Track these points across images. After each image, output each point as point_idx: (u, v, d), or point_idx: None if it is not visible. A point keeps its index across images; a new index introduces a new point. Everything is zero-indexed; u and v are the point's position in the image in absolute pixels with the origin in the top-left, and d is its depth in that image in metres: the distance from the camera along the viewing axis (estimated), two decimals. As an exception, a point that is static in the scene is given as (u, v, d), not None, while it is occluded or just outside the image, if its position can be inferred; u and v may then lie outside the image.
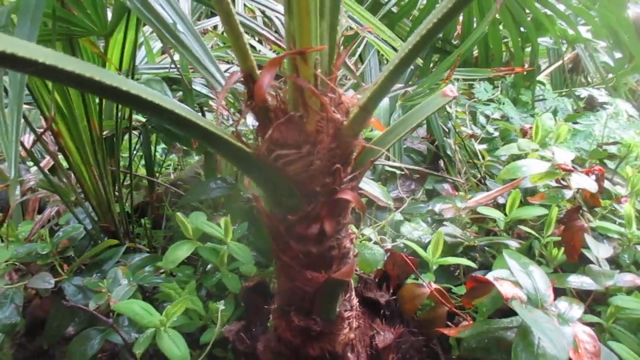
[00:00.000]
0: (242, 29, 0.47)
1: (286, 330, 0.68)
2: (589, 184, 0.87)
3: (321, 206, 0.55)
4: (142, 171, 1.47)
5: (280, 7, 0.81)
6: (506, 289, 0.64)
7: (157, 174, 1.44)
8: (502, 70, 1.24)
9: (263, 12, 1.45)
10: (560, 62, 2.00)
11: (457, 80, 1.28)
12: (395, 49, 0.97)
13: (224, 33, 0.47)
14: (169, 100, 0.42)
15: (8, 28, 0.60)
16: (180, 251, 0.89)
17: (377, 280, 0.90)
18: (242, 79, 0.50)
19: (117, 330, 0.83)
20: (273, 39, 0.83)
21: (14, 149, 0.49)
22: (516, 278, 0.66)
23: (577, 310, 0.67)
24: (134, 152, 1.41)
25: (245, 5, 1.23)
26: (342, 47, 0.52)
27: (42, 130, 1.00)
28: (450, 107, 1.35)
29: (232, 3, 0.64)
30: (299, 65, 0.47)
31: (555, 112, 1.62)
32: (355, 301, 0.70)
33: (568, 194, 0.89)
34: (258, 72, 0.49)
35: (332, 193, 0.54)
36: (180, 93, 1.33)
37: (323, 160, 0.51)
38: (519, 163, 0.93)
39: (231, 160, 0.52)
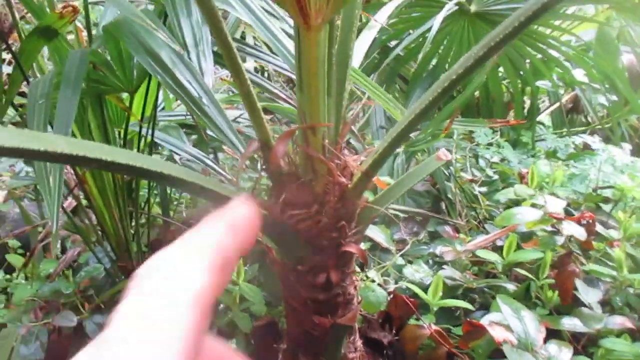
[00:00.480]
0: (259, 105, 0.54)
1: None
2: (579, 232, 0.92)
3: (328, 258, 0.61)
4: (156, 209, 1.54)
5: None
6: (498, 333, 0.69)
7: (171, 212, 1.51)
8: (499, 122, 1.31)
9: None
10: (558, 104, 2.07)
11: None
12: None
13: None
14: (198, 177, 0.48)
15: (49, 95, 0.68)
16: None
17: (380, 320, 0.96)
18: (258, 147, 0.56)
19: None
20: (284, 97, 0.91)
21: (56, 207, 0.56)
22: (508, 322, 0.72)
23: (566, 353, 0.71)
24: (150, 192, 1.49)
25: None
26: (347, 116, 0.59)
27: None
28: (451, 152, 1.42)
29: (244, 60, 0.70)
30: (309, 137, 0.54)
31: (555, 152, 1.69)
32: (359, 343, 0.76)
33: (560, 240, 0.94)
34: (272, 141, 0.56)
35: (338, 246, 0.60)
36: (195, 136, 1.41)
37: (330, 218, 0.58)
38: (513, 211, 0.99)
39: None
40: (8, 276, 1.37)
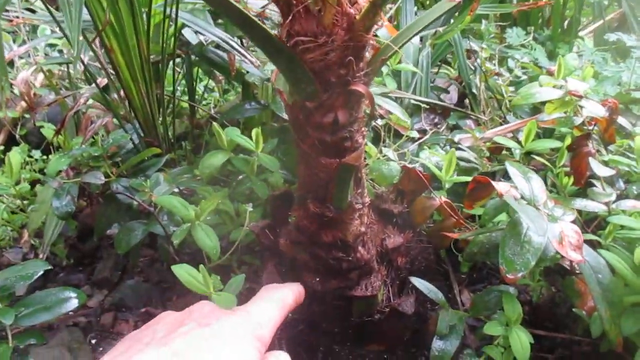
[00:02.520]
0: None
1: (304, 218, 0.77)
2: (598, 110, 0.91)
3: (336, 96, 0.63)
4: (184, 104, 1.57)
5: None
6: (502, 187, 0.71)
7: (198, 107, 1.54)
8: (527, 4, 1.26)
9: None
10: (602, 21, 1.97)
11: (487, 18, 1.31)
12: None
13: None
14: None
15: None
16: (215, 159, 0.99)
17: (392, 195, 0.98)
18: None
19: (158, 221, 0.94)
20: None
21: (77, 30, 0.59)
22: (514, 182, 0.73)
23: (569, 215, 0.72)
24: (177, 82, 1.52)
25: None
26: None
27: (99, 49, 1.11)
28: (481, 49, 1.39)
29: None
30: (319, -37, 0.54)
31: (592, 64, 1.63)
32: (367, 198, 0.78)
33: (578, 120, 0.93)
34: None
35: (346, 84, 0.62)
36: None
37: (337, 52, 0.59)
38: (532, 89, 0.98)
39: (258, 43, 0.60)
40: (45, 157, 1.45)
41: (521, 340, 0.76)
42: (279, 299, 0.65)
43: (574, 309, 0.84)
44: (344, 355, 0.90)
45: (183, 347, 0.49)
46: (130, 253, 1.05)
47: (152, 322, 0.56)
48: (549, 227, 0.66)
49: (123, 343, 0.53)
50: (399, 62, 1.17)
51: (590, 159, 0.88)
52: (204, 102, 1.82)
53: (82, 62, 1.08)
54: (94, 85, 1.15)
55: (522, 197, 0.71)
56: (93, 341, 1.06)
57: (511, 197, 0.68)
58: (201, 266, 0.78)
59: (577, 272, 0.90)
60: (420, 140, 1.15)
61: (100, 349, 1.04)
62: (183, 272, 0.79)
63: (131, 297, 1.14)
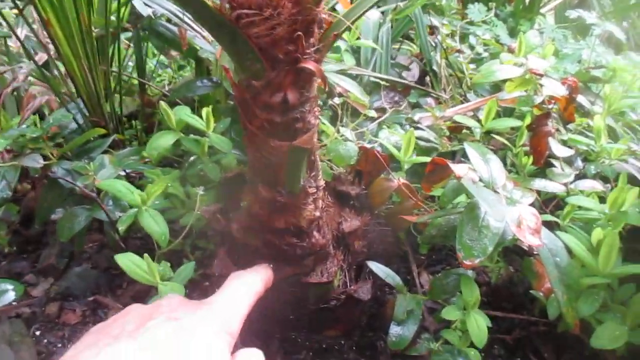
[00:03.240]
0: None
1: (255, 203, 0.73)
2: (558, 89, 0.89)
3: (284, 74, 0.58)
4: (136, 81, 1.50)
5: None
6: (460, 170, 0.68)
7: (149, 85, 1.47)
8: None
9: None
10: (563, -1, 1.97)
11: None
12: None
13: None
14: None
15: None
16: (164, 140, 0.94)
17: (349, 176, 0.95)
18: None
19: (102, 206, 0.89)
20: None
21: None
22: (473, 164, 0.70)
23: (528, 198, 0.71)
24: (127, 58, 1.44)
25: None
26: None
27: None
28: (442, 25, 1.35)
29: None
30: None
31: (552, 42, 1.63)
32: (321, 182, 0.75)
33: (538, 99, 0.92)
34: None
35: (295, 61, 0.57)
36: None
37: (284, 26, 0.54)
38: (493, 67, 0.96)
39: (196, 15, 0.55)
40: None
41: (478, 323, 0.75)
42: (248, 287, 0.65)
43: (531, 291, 0.83)
44: (301, 342, 0.88)
45: (152, 341, 0.48)
46: (75, 240, 0.99)
47: (119, 315, 0.55)
48: (508, 211, 0.64)
49: (90, 335, 0.51)
50: (358, 38, 1.12)
51: (550, 139, 0.87)
52: (157, 79, 1.74)
53: (17, 36, 0.99)
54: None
55: (481, 180, 0.69)
56: (37, 333, 1.00)
57: (469, 180, 0.66)
58: (145, 255, 0.74)
59: (535, 253, 0.89)
60: (380, 119, 1.12)
61: (45, 340, 0.99)
62: (127, 261, 0.75)
63: (78, 285, 1.09)
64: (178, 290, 0.73)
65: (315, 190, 0.72)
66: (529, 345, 0.91)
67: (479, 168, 0.69)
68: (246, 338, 0.91)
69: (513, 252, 1.01)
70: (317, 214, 0.76)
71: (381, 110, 1.18)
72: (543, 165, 0.94)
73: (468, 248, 0.62)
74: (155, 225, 0.85)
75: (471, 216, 0.64)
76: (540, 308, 0.90)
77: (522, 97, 0.94)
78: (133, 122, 1.34)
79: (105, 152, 1.02)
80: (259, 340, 0.89)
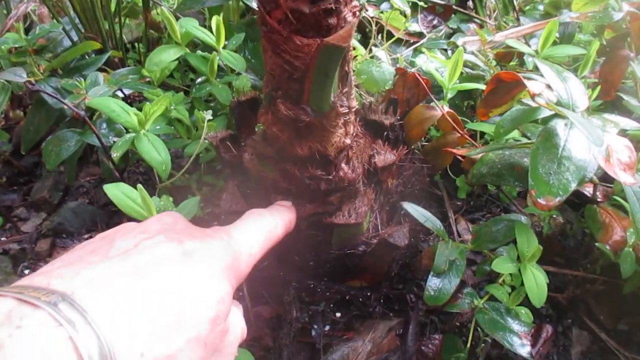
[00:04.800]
0: None
1: (272, 124, 0.59)
2: (644, 2, 0.74)
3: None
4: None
5: None
6: (535, 87, 0.54)
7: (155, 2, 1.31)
8: None
9: None
10: None
11: None
12: None
13: None
14: None
15: None
16: (166, 54, 0.80)
17: (382, 106, 0.81)
18: None
19: (93, 128, 0.76)
20: None
21: None
22: (549, 82, 0.56)
23: (612, 127, 0.57)
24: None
25: None
26: None
27: None
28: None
29: None
30: None
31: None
32: (354, 102, 0.61)
33: (617, 15, 0.76)
34: None
35: None
36: None
37: None
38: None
39: None
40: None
41: (537, 279, 0.62)
42: (267, 229, 0.53)
43: (597, 244, 0.70)
44: (320, 292, 0.77)
45: (144, 265, 0.37)
46: (66, 169, 0.88)
47: (110, 232, 0.43)
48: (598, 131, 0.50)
49: (73, 253, 0.39)
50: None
51: (635, 66, 0.72)
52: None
53: None
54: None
55: (559, 102, 0.54)
56: (26, 272, 0.90)
57: (546, 100, 0.52)
58: (139, 186, 0.61)
59: (599, 201, 0.76)
60: (416, 45, 0.97)
61: (34, 280, 0.89)
62: (117, 192, 0.63)
63: (73, 221, 0.98)
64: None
65: (347, 111, 0.59)
66: (582, 305, 0.80)
67: (556, 87, 0.55)
68: (257, 283, 0.80)
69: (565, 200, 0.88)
70: (348, 141, 0.62)
71: (417, 35, 1.03)
72: (612, 99, 0.80)
73: (544, 184, 0.48)
74: (154, 152, 0.72)
75: (547, 145, 0.51)
76: (602, 264, 0.77)
77: (596, 14, 0.78)
78: (137, 44, 1.19)
79: (100, 70, 0.89)
80: (272, 287, 0.78)
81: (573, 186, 0.47)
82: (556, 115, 0.52)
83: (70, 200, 1.03)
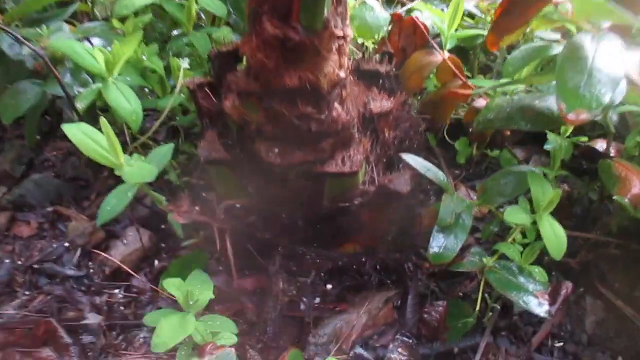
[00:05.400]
0: None
1: (257, 50, 0.52)
2: None
3: None
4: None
5: None
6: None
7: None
8: None
9: None
10: None
11: None
12: None
13: None
14: None
15: None
16: (138, -2, 0.72)
17: (377, 57, 0.74)
18: None
19: (56, 75, 0.68)
20: None
21: None
22: None
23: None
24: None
25: None
26: None
27: None
28: None
29: None
30: None
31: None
32: (349, 29, 0.54)
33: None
34: None
35: None
36: None
37: None
38: None
39: None
40: None
41: (555, 229, 0.56)
42: None
43: (615, 197, 0.63)
44: (310, 259, 0.69)
45: None
46: (25, 128, 0.79)
47: None
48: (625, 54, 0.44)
49: None
50: None
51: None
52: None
53: None
54: None
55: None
56: (-18, 246, 0.81)
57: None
58: (104, 122, 0.53)
59: (612, 156, 0.70)
60: (411, 4, 0.91)
61: (-11, 255, 0.80)
62: (78, 133, 0.54)
63: (36, 194, 0.89)
64: (148, 172, 0.53)
65: (341, 35, 0.52)
66: (595, 271, 0.73)
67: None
68: (238, 249, 0.71)
69: (568, 168, 0.82)
70: (342, 74, 0.55)
71: (410, -4, 0.96)
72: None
73: (574, 97, 0.42)
74: (123, 101, 0.65)
75: (574, 58, 0.44)
76: (618, 225, 0.71)
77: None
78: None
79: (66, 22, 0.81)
80: (255, 252, 0.70)
81: (607, 98, 0.41)
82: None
83: (34, 174, 0.94)
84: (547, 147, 0.79)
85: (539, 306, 0.55)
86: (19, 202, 0.88)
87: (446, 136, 0.86)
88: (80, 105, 0.66)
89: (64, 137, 1.02)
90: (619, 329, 0.68)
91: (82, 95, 0.66)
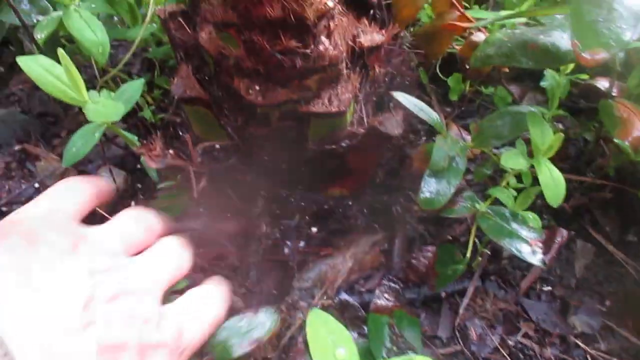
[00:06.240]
0: None
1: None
2: None
3: None
4: None
5: None
6: None
7: None
8: None
9: None
10: None
11: None
12: None
13: None
14: None
15: None
16: None
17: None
18: None
19: (11, 4, 0.61)
20: None
21: None
22: None
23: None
24: None
25: None
26: None
27: None
28: None
29: None
30: None
31: None
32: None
33: None
34: None
35: None
36: None
37: None
38: None
39: None
40: None
41: (553, 174, 0.53)
42: None
43: (615, 140, 0.60)
44: (294, 202, 0.66)
45: None
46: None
47: None
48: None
49: None
50: None
51: None
52: None
53: None
54: None
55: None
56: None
57: None
58: (62, 54, 0.47)
59: (614, 95, 0.67)
60: None
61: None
62: (34, 66, 0.49)
63: (1, 132, 0.83)
64: (114, 111, 0.48)
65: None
66: (587, 216, 0.71)
67: None
68: (217, 193, 0.68)
69: (564, 107, 0.78)
70: (330, 3, 0.50)
71: None
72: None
73: (591, 34, 0.37)
74: (88, 31, 0.58)
75: None
76: (613, 168, 0.68)
77: None
78: None
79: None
80: (236, 197, 0.66)
81: (628, 36, 0.37)
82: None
83: (-2, 109, 0.88)
84: (543, 84, 0.75)
85: (533, 255, 0.53)
86: (-17, 140, 0.82)
87: (439, 72, 0.82)
88: (39, 35, 0.60)
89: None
90: (608, 273, 0.67)
91: (40, 24, 0.60)
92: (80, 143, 0.52)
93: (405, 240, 0.68)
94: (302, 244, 0.68)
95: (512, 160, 0.53)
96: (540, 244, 0.54)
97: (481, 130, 0.59)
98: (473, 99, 0.85)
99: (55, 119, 0.87)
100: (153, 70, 0.84)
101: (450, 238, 0.69)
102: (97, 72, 0.71)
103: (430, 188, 0.56)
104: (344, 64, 0.56)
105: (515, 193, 0.59)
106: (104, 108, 0.47)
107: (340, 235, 0.68)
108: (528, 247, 0.53)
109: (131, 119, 0.79)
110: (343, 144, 0.57)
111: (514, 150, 0.55)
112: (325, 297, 0.64)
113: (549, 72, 0.72)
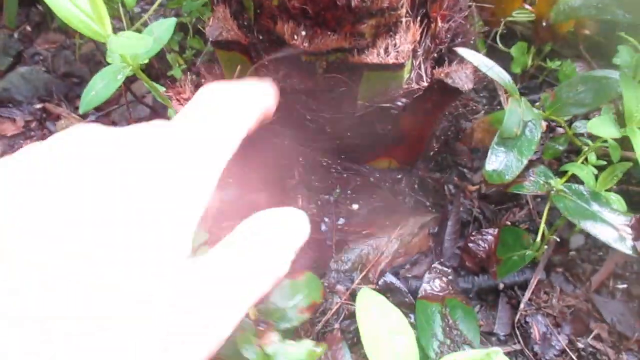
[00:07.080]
0: None
1: None
2: None
3: None
4: None
5: None
6: None
7: None
8: None
9: None
10: None
11: None
12: None
13: None
14: None
15: None
16: None
17: None
18: None
19: None
20: None
21: None
22: None
23: None
24: None
25: None
26: None
27: None
28: None
29: None
30: None
31: None
32: None
33: None
34: None
35: None
36: None
37: None
38: None
39: None
40: None
41: (652, 146, 0.44)
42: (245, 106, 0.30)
43: None
44: (335, 172, 0.58)
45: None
46: (5, 5, 0.67)
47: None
48: None
49: None
50: None
51: None
52: None
53: None
54: None
55: None
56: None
57: None
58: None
59: None
60: None
61: (-33, 153, 0.70)
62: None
63: (22, 89, 0.78)
64: (142, 43, 0.42)
65: None
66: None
67: None
68: (253, 161, 0.61)
69: None
70: None
71: None
72: None
73: None
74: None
75: None
76: None
77: None
78: None
79: None
80: (272, 164, 0.60)
81: None
82: None
83: (22, 67, 0.83)
84: (616, 60, 0.66)
85: (620, 241, 0.44)
86: (4, 97, 0.77)
87: (498, 42, 0.73)
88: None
89: (58, 30, 0.90)
90: (695, 271, 0.58)
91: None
92: (101, 86, 0.46)
93: (458, 223, 0.61)
94: (341, 221, 0.61)
95: (602, 128, 0.45)
96: (629, 229, 0.45)
97: (558, 97, 0.51)
98: (536, 74, 0.76)
99: (80, 80, 0.82)
100: (186, 33, 0.78)
101: (509, 223, 0.61)
102: (125, 24, 0.65)
103: (498, 159, 0.48)
104: (403, 10, 0.48)
105: (595, 171, 0.51)
106: (129, 40, 0.41)
107: (385, 214, 0.61)
108: (614, 231, 0.45)
109: (159, 78, 0.73)
110: (398, 103, 0.49)
111: (603, 116, 0.46)
112: (366, 281, 0.57)
113: (623, 48, 0.63)
